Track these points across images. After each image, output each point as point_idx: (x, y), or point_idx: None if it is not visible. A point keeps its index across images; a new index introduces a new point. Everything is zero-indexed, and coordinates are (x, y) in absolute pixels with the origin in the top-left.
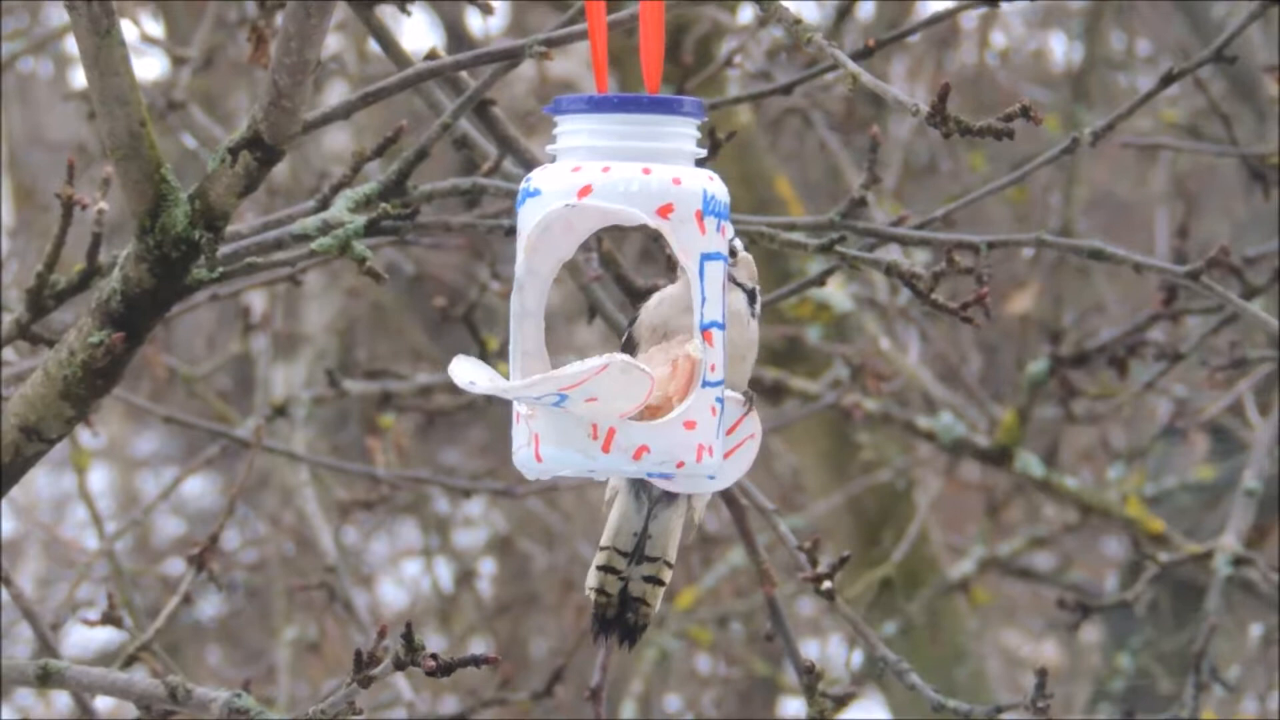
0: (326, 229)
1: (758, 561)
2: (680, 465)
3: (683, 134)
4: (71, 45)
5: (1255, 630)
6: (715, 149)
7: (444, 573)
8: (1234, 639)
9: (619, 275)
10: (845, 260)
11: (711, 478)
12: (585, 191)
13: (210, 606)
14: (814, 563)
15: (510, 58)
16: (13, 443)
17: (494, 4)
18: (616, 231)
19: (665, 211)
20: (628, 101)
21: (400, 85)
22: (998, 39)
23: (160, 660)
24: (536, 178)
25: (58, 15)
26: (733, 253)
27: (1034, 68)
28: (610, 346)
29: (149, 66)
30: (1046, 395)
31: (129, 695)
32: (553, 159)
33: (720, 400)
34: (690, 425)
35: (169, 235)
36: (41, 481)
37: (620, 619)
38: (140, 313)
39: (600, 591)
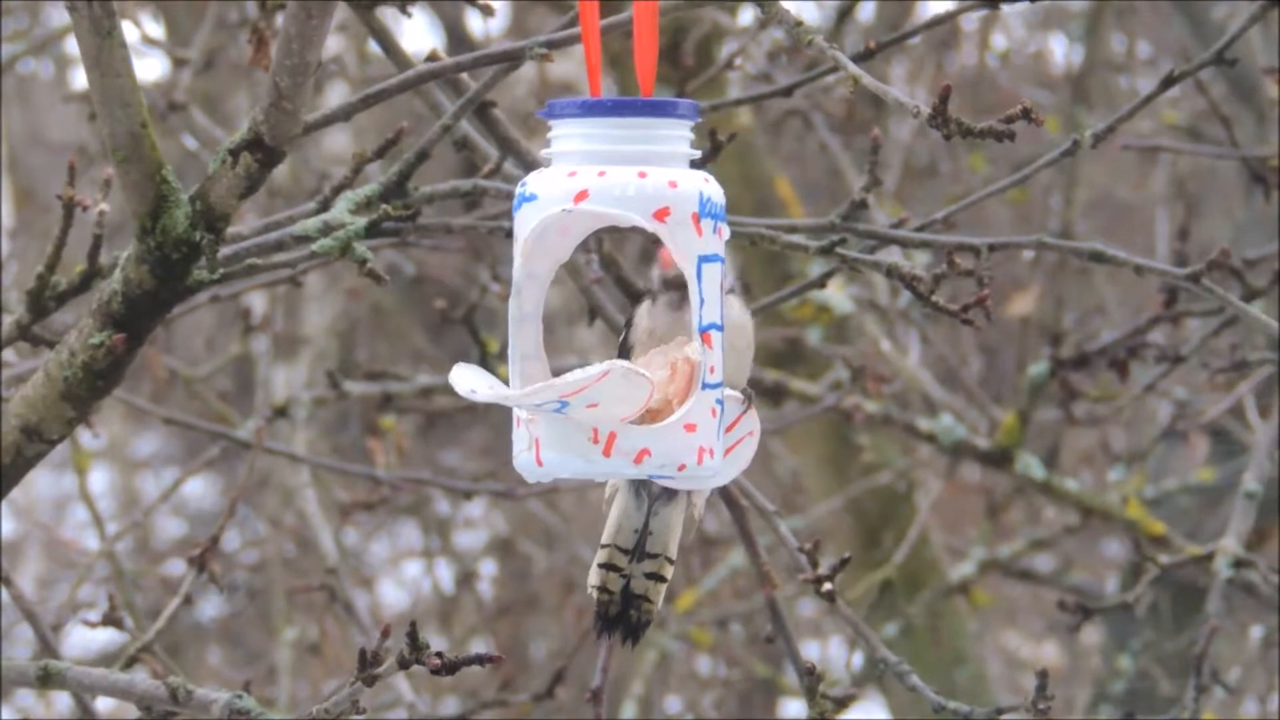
0: (327, 230)
1: (758, 563)
2: (682, 468)
3: (678, 136)
4: (72, 46)
5: (1256, 632)
6: (716, 151)
7: (444, 574)
8: (1234, 641)
9: (620, 277)
10: (846, 262)
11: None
12: (581, 196)
13: (211, 607)
14: (815, 564)
15: (511, 59)
16: (13, 443)
17: (494, 5)
18: (616, 233)
19: (662, 215)
20: (622, 105)
21: (401, 87)
22: (998, 41)
23: (161, 661)
24: (532, 182)
25: (58, 16)
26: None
27: (1034, 70)
28: (611, 348)
29: (150, 68)
30: (1047, 397)
31: (130, 696)
32: (548, 163)
33: (720, 402)
34: (691, 428)
35: (170, 236)
36: (42, 482)
37: (623, 616)
38: (141, 314)
39: (602, 589)
